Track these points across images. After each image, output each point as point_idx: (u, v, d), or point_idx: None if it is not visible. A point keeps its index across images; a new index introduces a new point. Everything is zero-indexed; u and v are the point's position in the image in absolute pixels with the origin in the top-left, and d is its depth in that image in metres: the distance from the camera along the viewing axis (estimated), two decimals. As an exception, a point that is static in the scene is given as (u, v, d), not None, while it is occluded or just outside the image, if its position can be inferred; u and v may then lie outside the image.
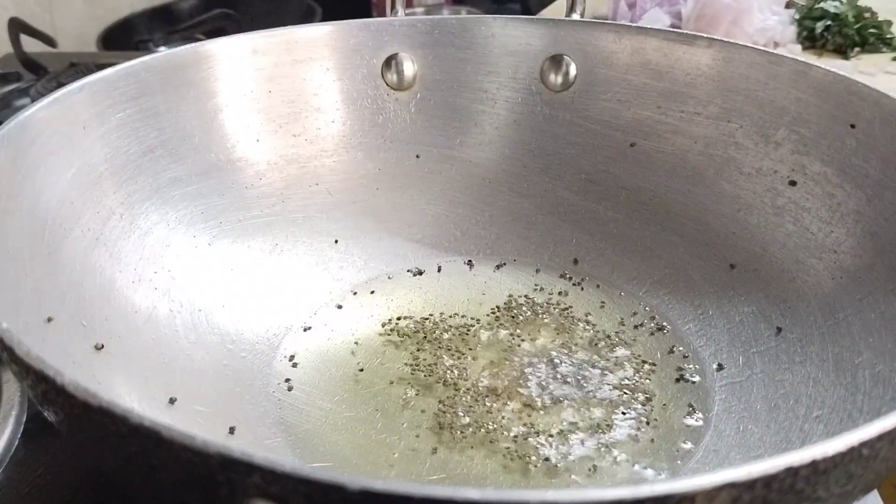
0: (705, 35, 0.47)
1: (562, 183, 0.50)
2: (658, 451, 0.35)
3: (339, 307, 0.45)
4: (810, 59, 0.85)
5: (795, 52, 0.85)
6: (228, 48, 0.46)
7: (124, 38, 1.02)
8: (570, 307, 0.44)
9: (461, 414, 0.37)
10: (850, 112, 0.40)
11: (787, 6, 0.91)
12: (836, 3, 0.90)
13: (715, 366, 0.40)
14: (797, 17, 0.90)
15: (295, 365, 0.40)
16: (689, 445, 0.35)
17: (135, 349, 0.36)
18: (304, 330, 0.43)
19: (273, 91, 0.48)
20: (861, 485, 0.21)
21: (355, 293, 0.46)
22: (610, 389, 0.38)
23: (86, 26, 1.09)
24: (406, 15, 0.52)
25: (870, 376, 0.33)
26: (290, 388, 0.39)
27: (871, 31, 0.88)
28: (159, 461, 0.19)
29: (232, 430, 0.35)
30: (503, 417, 0.36)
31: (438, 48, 0.51)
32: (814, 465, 0.18)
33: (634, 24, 0.49)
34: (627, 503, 0.17)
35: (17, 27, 0.78)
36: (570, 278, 0.47)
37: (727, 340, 0.41)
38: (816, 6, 0.90)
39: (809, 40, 0.89)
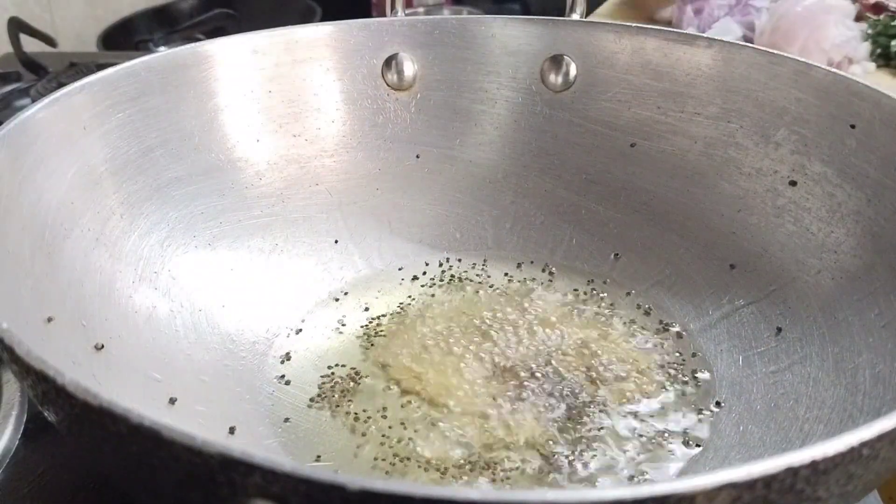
0: (705, 35, 0.47)
1: (562, 183, 0.50)
2: (658, 451, 0.35)
3: (339, 308, 0.45)
4: (884, 78, 0.80)
5: (869, 69, 0.81)
6: (228, 48, 0.46)
7: (124, 38, 1.02)
8: (571, 308, 0.44)
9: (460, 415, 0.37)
10: (851, 112, 0.40)
11: (857, 19, 0.86)
12: None
13: (715, 366, 0.40)
14: (869, 31, 0.85)
15: (294, 365, 0.40)
16: (689, 446, 0.35)
17: (135, 349, 0.36)
18: (304, 330, 0.43)
19: (273, 91, 0.48)
20: (861, 485, 0.21)
21: (355, 294, 0.46)
22: (610, 390, 0.38)
23: (86, 26, 1.09)
24: (406, 15, 0.52)
25: (870, 376, 0.33)
26: (289, 388, 0.39)
27: None
28: (159, 461, 0.19)
29: (232, 430, 0.35)
30: (510, 418, 0.36)
31: (438, 48, 0.51)
32: (814, 466, 0.18)
33: (634, 24, 0.49)
34: (628, 503, 0.17)
35: (17, 27, 0.78)
36: (570, 279, 0.47)
37: (727, 340, 0.41)
38: (893, 23, 0.84)
39: (884, 58, 0.84)
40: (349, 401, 0.38)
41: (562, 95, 0.50)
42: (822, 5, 0.81)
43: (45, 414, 0.24)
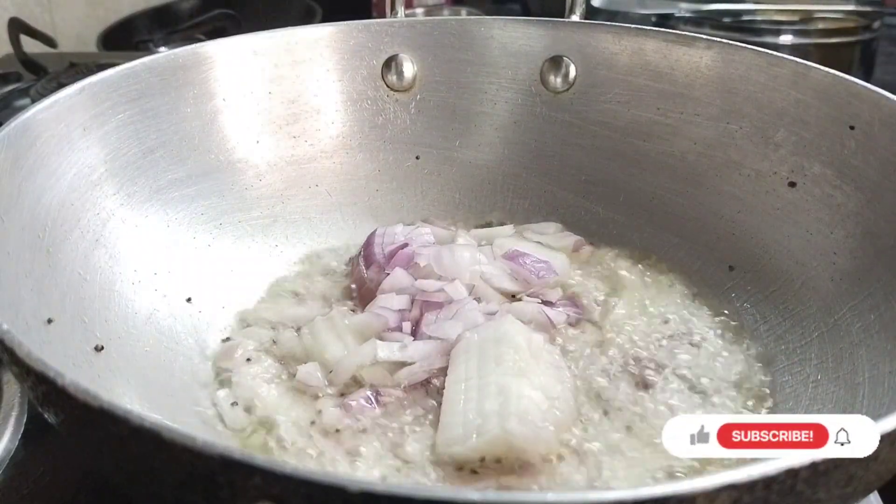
0: (704, 36, 0.47)
1: (561, 184, 0.50)
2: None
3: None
4: None
5: None
6: (229, 49, 0.46)
7: (124, 39, 1.02)
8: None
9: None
10: (850, 113, 0.40)
11: None
12: None
13: (714, 366, 0.39)
14: None
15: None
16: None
17: (135, 350, 0.36)
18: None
19: (273, 92, 0.48)
20: (861, 486, 0.21)
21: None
22: (608, 390, 0.38)
23: (86, 26, 1.09)
24: (406, 16, 0.52)
25: (869, 377, 0.33)
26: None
27: None
28: (160, 462, 0.19)
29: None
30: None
31: (438, 49, 0.51)
32: (814, 467, 0.18)
33: (634, 26, 0.49)
34: (628, 503, 0.17)
35: (17, 27, 0.79)
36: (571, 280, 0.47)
37: (727, 341, 0.41)
38: None
39: None
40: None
41: (561, 97, 0.50)
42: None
43: (46, 415, 0.24)
